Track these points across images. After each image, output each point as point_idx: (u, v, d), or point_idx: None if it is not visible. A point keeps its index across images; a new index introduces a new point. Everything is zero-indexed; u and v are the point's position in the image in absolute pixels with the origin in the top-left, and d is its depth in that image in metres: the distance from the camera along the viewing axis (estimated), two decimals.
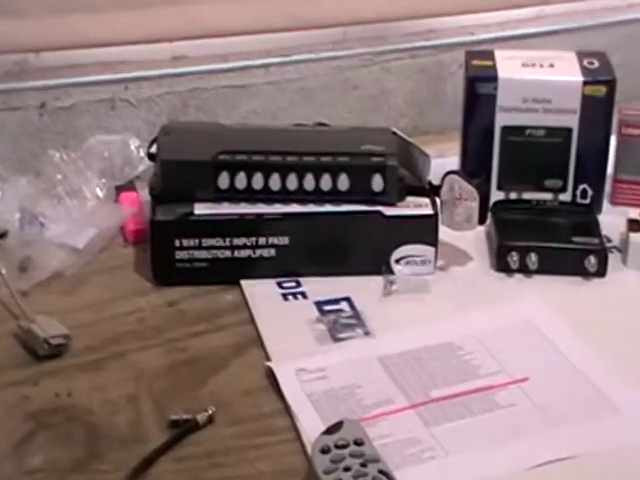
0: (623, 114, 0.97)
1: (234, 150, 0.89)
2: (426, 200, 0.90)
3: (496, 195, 0.97)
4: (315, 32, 1.13)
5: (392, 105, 1.14)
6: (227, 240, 0.88)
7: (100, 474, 0.70)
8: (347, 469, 0.67)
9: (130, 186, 1.01)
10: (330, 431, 0.70)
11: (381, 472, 0.67)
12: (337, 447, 0.68)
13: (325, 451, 0.68)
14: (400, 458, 0.70)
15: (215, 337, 0.83)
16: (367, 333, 0.83)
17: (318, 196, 0.89)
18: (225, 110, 1.10)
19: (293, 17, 1.12)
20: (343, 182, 0.88)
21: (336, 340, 0.82)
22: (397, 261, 0.89)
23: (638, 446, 0.72)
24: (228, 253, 0.88)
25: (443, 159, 0.97)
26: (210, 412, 0.74)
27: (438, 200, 0.90)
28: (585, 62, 0.95)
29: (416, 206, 0.89)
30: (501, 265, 0.90)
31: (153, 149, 0.92)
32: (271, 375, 0.78)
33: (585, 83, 0.93)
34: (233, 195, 0.89)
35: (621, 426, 0.74)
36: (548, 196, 0.96)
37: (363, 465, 0.67)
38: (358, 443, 0.69)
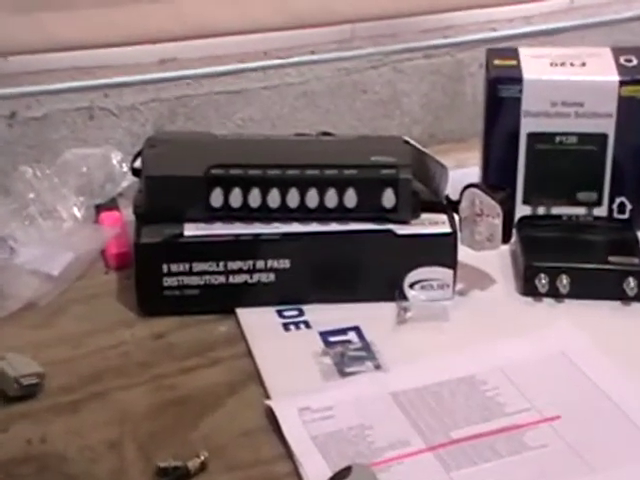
0: None
1: (228, 164, 0.90)
2: (443, 217, 0.91)
3: (522, 210, 0.98)
4: (318, 30, 1.14)
5: (405, 111, 1.15)
6: (221, 264, 0.89)
7: None
8: None
9: (112, 205, 1.03)
10: (337, 477, 0.70)
11: None
12: None
13: None
14: None
15: (208, 373, 0.84)
16: (378, 367, 0.84)
17: (322, 214, 0.90)
18: (218, 118, 1.12)
19: (293, 14, 1.14)
20: (350, 198, 0.90)
21: (344, 375, 0.83)
22: (411, 285, 0.90)
23: None
24: (222, 279, 0.90)
25: (462, 170, 0.99)
26: (203, 458, 0.75)
27: (457, 217, 0.91)
28: (622, 59, 0.97)
29: (432, 224, 0.91)
30: (528, 289, 0.91)
31: (137, 163, 0.94)
32: (271, 415, 0.79)
33: (622, 83, 0.94)
34: (227, 214, 0.90)
35: None
36: (581, 211, 0.98)
37: None
38: None
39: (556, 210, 0.98)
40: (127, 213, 0.97)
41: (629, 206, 0.97)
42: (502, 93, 0.96)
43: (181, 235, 0.89)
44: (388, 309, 0.89)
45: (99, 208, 1.02)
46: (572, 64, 0.97)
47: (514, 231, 0.93)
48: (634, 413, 0.79)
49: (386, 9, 1.15)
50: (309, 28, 1.14)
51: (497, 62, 0.98)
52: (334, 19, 1.15)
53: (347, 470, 0.71)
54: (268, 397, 0.81)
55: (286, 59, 1.13)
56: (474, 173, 1.00)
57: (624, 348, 0.85)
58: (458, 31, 1.15)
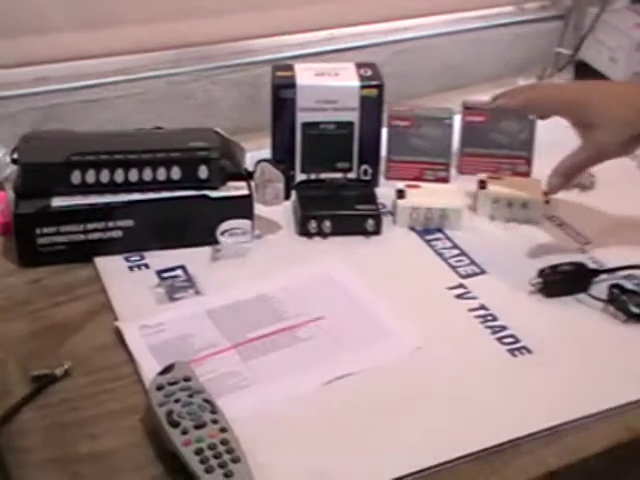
0: (391, 110, 0.99)
1: (84, 152, 0.85)
2: (243, 184, 0.89)
3: (300, 176, 0.97)
4: (157, 54, 1.09)
5: (220, 111, 1.12)
6: (81, 226, 0.84)
7: None
8: (177, 400, 0.65)
9: None
10: (164, 372, 0.68)
11: (205, 400, 0.66)
12: (169, 384, 0.67)
13: (160, 388, 0.67)
14: (222, 388, 0.69)
15: (72, 306, 0.79)
16: (198, 292, 0.81)
17: (155, 185, 0.86)
18: (81, 121, 1.05)
19: (138, 42, 1.08)
20: (176, 173, 0.86)
21: (172, 300, 0.80)
22: (222, 233, 0.87)
23: (400, 359, 0.74)
24: (82, 237, 0.84)
25: (259, 151, 0.96)
26: (67, 366, 0.71)
27: (252, 183, 0.89)
28: (361, 71, 0.96)
29: (235, 189, 0.88)
30: (303, 231, 0.90)
31: (15, 155, 0.87)
32: (118, 333, 0.75)
33: (362, 87, 0.94)
34: (85, 189, 0.85)
35: (390, 346, 0.76)
36: (339, 175, 0.97)
37: (190, 396, 0.66)
38: (186, 379, 0.67)
39: (323, 175, 0.97)
40: (10, 193, 0.89)
41: (370, 171, 0.97)
42: (282, 95, 0.94)
43: (49, 206, 0.83)
44: (206, 252, 0.87)
45: None
46: (329, 74, 0.96)
47: (293, 191, 0.92)
48: (371, 311, 0.79)
49: (206, 39, 1.11)
50: (150, 52, 1.09)
51: (279, 73, 0.96)
52: (168, 45, 1.10)
53: (171, 366, 0.69)
54: (117, 320, 0.77)
55: (132, 75, 1.07)
56: (267, 152, 0.97)
57: (366, 267, 0.85)
58: (255, 54, 1.12)
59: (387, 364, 0.73)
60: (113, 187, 0.85)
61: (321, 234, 0.90)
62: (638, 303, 0.80)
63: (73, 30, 1.04)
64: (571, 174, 0.84)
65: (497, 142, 1.00)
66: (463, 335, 0.77)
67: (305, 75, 0.95)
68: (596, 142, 0.81)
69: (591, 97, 0.82)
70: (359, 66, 0.97)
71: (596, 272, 0.84)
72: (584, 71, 1.18)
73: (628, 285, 0.82)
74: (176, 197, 0.86)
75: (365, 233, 0.90)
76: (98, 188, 0.85)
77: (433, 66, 1.19)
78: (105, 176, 0.85)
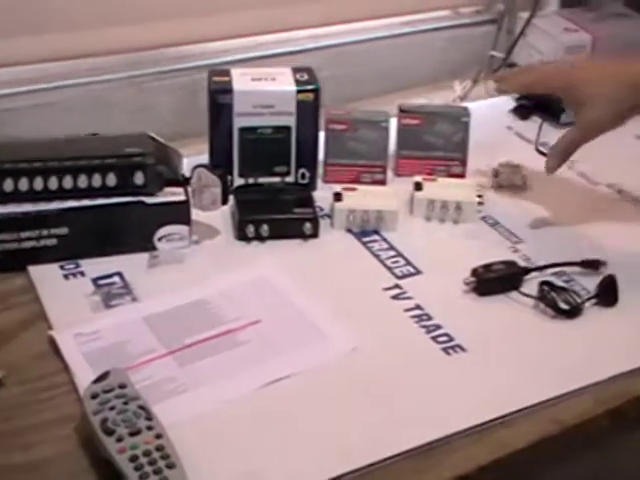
0: (328, 113, 1.01)
1: (16, 159, 0.84)
2: (180, 189, 0.89)
3: (238, 181, 0.97)
4: (97, 59, 1.08)
5: (159, 116, 1.12)
6: (14, 234, 0.83)
7: None
8: (112, 408, 0.66)
9: None
10: (99, 380, 0.68)
11: (140, 407, 0.66)
12: (104, 392, 0.67)
13: (94, 396, 0.67)
14: (159, 394, 0.70)
15: (6, 314, 0.79)
16: (135, 299, 0.81)
17: (91, 192, 0.86)
18: (19, 128, 1.03)
19: (76, 46, 1.07)
20: (111, 179, 0.86)
21: (108, 307, 0.80)
22: (159, 239, 0.87)
23: (336, 360, 0.76)
24: (16, 245, 0.84)
25: (198, 156, 0.97)
26: (0, 376, 0.70)
27: (189, 188, 0.89)
28: (297, 75, 0.97)
29: (172, 194, 0.88)
30: (241, 235, 0.91)
31: None
32: (53, 342, 0.75)
33: (298, 91, 0.95)
34: (17, 197, 0.84)
35: (327, 347, 0.77)
36: (277, 179, 0.98)
37: (125, 403, 0.66)
38: (122, 387, 0.68)
39: (261, 180, 0.98)
40: None
41: (308, 174, 0.99)
42: (219, 100, 0.94)
43: None
44: (143, 258, 0.87)
45: None
46: (266, 79, 0.97)
47: (231, 196, 0.92)
48: (308, 313, 0.80)
49: (144, 44, 1.10)
50: (97, 57, 1.07)
51: (215, 79, 0.96)
52: (108, 50, 1.09)
53: (106, 374, 0.69)
54: (52, 329, 0.77)
55: (75, 80, 1.06)
56: (205, 158, 0.98)
57: (304, 270, 0.86)
58: (193, 59, 1.12)
59: (324, 365, 0.75)
60: (47, 194, 0.85)
61: (259, 238, 0.91)
62: (566, 299, 0.83)
63: (19, 34, 1.01)
64: (568, 152, 0.89)
65: (432, 144, 1.03)
66: (399, 335, 0.79)
67: (241, 80, 0.96)
68: (587, 120, 0.86)
69: (580, 78, 0.86)
70: (295, 70, 0.98)
71: (527, 270, 0.87)
72: None
73: (557, 282, 0.86)
74: (112, 204, 0.86)
75: (303, 236, 0.91)
76: (31, 196, 0.84)
77: (370, 70, 1.21)
78: (38, 183, 0.84)
